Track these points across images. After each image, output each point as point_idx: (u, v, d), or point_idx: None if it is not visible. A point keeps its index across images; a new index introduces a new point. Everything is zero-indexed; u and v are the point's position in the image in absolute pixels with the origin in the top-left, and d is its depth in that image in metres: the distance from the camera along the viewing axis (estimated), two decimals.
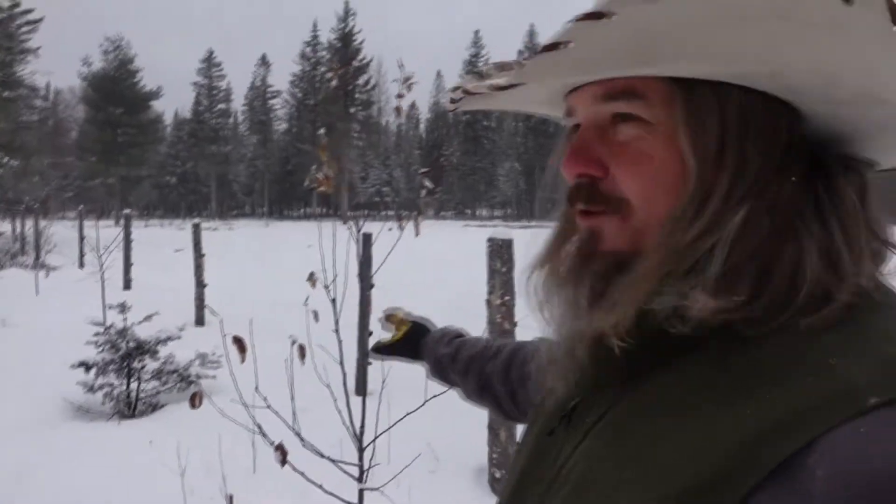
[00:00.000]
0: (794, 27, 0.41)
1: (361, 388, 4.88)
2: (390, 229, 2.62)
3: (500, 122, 71.96)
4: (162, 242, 20.87)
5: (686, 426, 0.46)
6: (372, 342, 1.20)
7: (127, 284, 10.77)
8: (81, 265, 14.26)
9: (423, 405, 2.31)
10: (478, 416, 3.40)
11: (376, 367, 3.85)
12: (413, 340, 1.19)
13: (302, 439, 2.06)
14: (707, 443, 0.43)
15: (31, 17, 26.29)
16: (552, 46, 0.45)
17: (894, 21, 0.39)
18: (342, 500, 2.27)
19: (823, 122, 0.51)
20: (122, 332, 4.41)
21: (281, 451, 1.82)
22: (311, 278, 2.29)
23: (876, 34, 0.40)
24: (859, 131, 0.52)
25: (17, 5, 25.62)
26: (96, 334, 4.54)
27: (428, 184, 2.08)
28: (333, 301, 2.22)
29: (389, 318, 1.22)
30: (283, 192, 68.55)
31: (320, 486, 2.19)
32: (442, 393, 1.67)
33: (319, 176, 2.28)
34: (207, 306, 1.92)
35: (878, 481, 0.36)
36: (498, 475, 3.45)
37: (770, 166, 0.49)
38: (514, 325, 3.34)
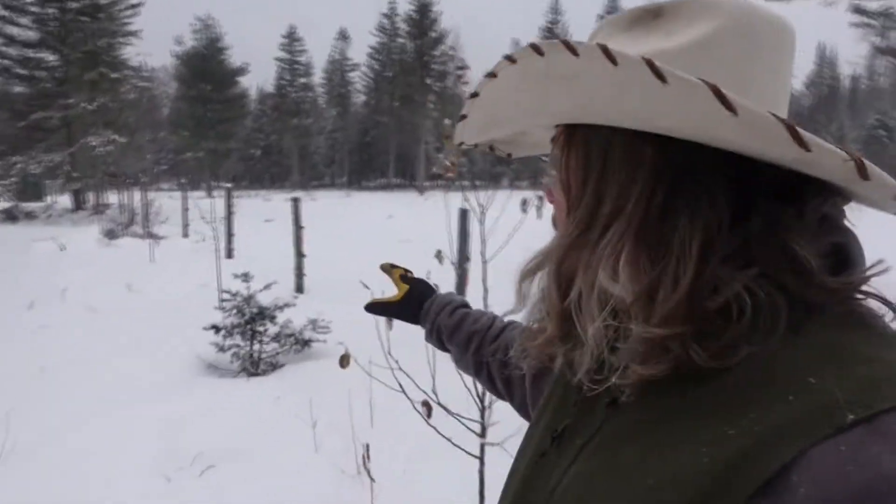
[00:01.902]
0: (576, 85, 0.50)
1: None
2: (474, 208, 2.82)
3: None
4: (251, 213, 21.95)
5: (673, 447, 0.46)
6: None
7: (229, 253, 11.53)
8: (186, 234, 15.34)
9: None
10: None
11: None
12: (411, 303, 1.16)
13: (436, 399, 2.35)
14: (692, 464, 0.44)
15: (131, 1, 27.93)
16: (461, 117, 0.64)
17: (658, 77, 0.43)
18: (468, 452, 2.56)
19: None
20: (248, 299, 4.88)
21: (427, 406, 2.09)
22: (439, 255, 2.55)
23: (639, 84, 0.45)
24: None
25: None
26: (223, 300, 5.03)
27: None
28: (460, 274, 2.47)
29: (390, 270, 1.21)
30: (362, 163, 69.93)
31: (449, 440, 2.48)
32: None
33: (447, 163, 2.52)
34: (361, 282, 2.17)
35: (857, 495, 0.37)
36: None
37: (642, 192, 0.50)
38: None
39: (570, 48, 0.47)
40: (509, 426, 2.94)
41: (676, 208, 0.49)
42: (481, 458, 2.54)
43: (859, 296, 0.49)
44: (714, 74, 0.46)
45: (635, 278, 0.50)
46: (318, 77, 73.89)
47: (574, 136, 0.56)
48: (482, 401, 2.56)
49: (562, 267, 0.56)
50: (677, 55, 0.50)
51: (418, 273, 1.22)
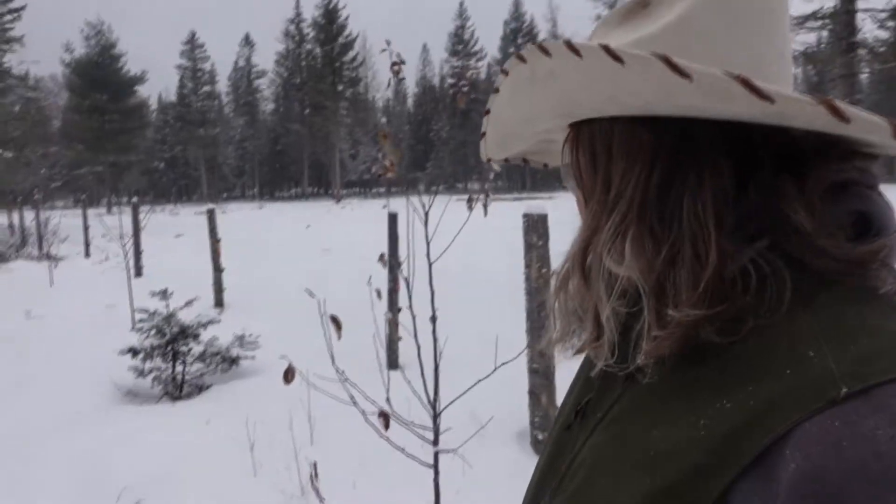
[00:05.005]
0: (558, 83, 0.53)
1: (393, 363, 5.09)
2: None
3: (488, 95, 71.60)
4: (158, 229, 20.83)
5: (675, 420, 0.47)
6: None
7: (138, 272, 10.88)
8: (87, 254, 14.33)
9: (491, 373, 2.52)
10: (517, 385, 3.60)
11: (406, 343, 4.06)
12: None
13: (391, 410, 2.25)
14: (690, 437, 0.45)
15: (12, 5, 25.85)
16: (482, 135, 0.70)
17: (615, 59, 0.44)
18: (421, 461, 2.47)
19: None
20: (168, 318, 4.57)
21: (384, 416, 2.00)
22: (382, 259, 2.45)
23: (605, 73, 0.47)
24: None
25: None
26: (140, 321, 4.70)
27: (496, 167, 2.23)
28: (391, 280, 2.39)
29: None
30: (274, 173, 68.20)
31: (402, 450, 2.39)
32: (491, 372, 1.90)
33: (386, 164, 2.43)
34: (307, 290, 2.04)
35: (849, 471, 0.36)
36: (540, 437, 3.67)
37: (640, 175, 0.51)
38: None
39: (543, 49, 0.49)
40: (463, 432, 2.89)
41: (677, 186, 0.49)
42: (435, 467, 2.46)
43: (878, 266, 0.47)
44: (693, 50, 0.49)
45: (640, 256, 0.51)
46: (222, 85, 71.53)
47: (580, 133, 0.58)
48: (434, 407, 2.48)
49: (585, 261, 0.56)
50: (659, 37, 0.51)
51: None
